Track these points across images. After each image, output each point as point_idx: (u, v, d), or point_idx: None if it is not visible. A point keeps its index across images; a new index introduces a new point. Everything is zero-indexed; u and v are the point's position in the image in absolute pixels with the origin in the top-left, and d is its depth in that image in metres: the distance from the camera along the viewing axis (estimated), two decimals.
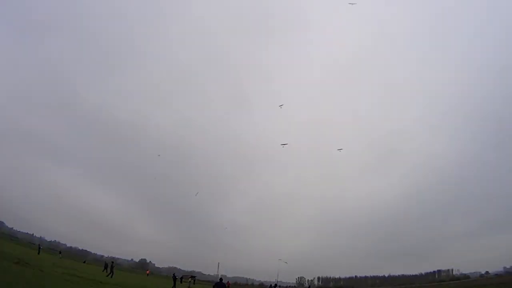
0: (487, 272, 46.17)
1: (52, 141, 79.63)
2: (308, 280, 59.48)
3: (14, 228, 57.84)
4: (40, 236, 58.59)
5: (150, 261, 64.95)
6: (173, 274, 26.99)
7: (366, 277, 55.52)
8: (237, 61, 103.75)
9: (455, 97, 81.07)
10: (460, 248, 56.41)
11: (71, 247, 60.99)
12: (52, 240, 61.04)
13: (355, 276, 56.93)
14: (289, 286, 57.17)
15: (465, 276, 46.90)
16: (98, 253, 60.59)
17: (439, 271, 52.33)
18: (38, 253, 27.53)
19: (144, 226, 76.19)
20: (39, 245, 33.85)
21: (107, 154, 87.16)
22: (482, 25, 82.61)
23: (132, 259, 66.79)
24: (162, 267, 64.76)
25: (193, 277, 38.40)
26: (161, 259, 78.64)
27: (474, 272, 48.09)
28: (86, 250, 59.80)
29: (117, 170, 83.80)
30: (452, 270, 49.60)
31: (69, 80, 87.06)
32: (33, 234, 58.97)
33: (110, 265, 22.32)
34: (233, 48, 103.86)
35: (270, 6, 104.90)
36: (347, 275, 57.81)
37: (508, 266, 45.46)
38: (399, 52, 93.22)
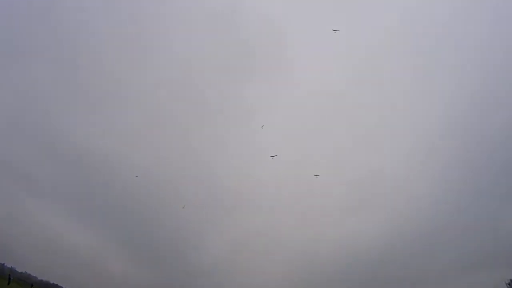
0: None
1: (26, 172, 77.58)
2: None
3: None
4: (11, 267, 56.19)
5: None
6: None
7: None
8: (217, 100, 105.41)
9: (438, 139, 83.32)
10: (443, 284, 56.60)
11: (42, 280, 58.45)
12: (23, 271, 58.53)
13: None
14: None
15: None
16: None
17: None
18: (8, 283, 26.89)
19: (121, 263, 73.75)
20: (9, 275, 32.93)
21: (83, 189, 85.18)
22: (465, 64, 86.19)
23: None
24: None
25: None
26: None
27: None
28: (57, 285, 57.36)
29: (92, 205, 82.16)
30: None
31: (46, 111, 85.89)
32: (4, 263, 56.58)
33: None
34: (213, 86, 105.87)
35: (251, 43, 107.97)
36: None
37: None
38: (383, 90, 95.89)
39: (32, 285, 31.10)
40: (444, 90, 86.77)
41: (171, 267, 73.25)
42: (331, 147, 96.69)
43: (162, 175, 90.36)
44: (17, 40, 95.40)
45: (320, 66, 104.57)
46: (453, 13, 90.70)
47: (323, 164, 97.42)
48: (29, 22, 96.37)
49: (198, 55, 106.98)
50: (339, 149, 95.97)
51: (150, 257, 75.93)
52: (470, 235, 63.82)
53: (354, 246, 72.31)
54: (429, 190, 75.18)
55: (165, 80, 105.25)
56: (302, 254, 74.13)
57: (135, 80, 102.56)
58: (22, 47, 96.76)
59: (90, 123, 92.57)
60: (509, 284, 41.62)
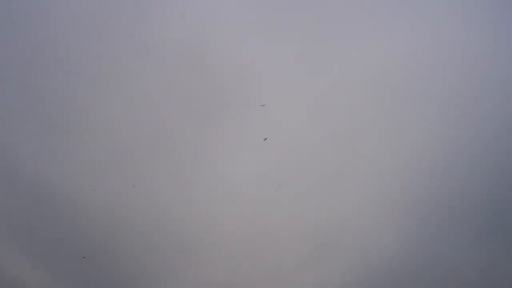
0: None
1: None
2: None
3: None
4: None
5: None
6: None
7: None
8: (181, 139, 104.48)
9: (396, 184, 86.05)
10: None
11: None
12: None
13: None
14: None
15: None
16: None
17: None
18: None
19: None
20: None
21: (43, 229, 78.48)
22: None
23: None
24: None
25: None
26: None
27: None
28: None
29: (53, 247, 75.40)
30: None
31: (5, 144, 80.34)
32: None
33: None
34: (176, 126, 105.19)
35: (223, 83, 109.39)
36: None
37: None
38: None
39: None
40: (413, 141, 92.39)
41: None
42: (294, 197, 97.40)
43: (117, 216, 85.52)
44: None
45: (292, 116, 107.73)
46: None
47: (283, 215, 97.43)
48: None
49: (163, 91, 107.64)
50: (302, 198, 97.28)
51: None
52: (433, 275, 64.45)
53: None
54: (391, 246, 76.18)
55: (129, 112, 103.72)
56: None
57: (98, 109, 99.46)
58: None
59: (49, 152, 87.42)
60: None
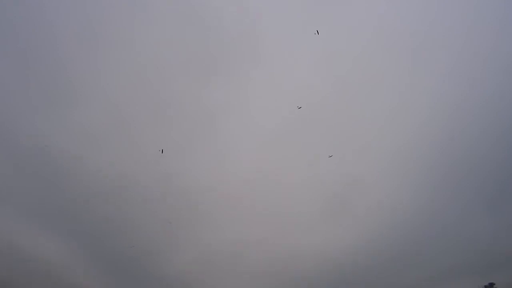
0: None
1: None
2: None
3: None
4: None
5: None
6: None
7: None
8: (180, 101, 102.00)
9: (419, 148, 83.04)
10: None
11: None
12: None
13: None
14: None
15: None
16: None
17: None
18: None
19: (92, 277, 69.32)
20: None
21: (48, 196, 79.89)
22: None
23: None
24: None
25: None
26: None
27: None
28: None
29: (60, 213, 77.56)
30: None
31: (5, 111, 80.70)
32: None
33: None
34: (175, 86, 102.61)
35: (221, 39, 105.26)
36: None
37: None
38: (363, 97, 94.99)
39: None
40: (425, 98, 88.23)
41: (140, 278, 69.61)
42: (307, 153, 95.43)
43: (124, 180, 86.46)
44: None
45: (297, 69, 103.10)
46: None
47: (299, 170, 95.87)
48: None
49: (161, 50, 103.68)
50: (316, 155, 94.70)
51: (114, 265, 72.21)
52: (447, 244, 63.53)
53: (330, 255, 70.71)
54: (408, 202, 74.84)
55: (124, 77, 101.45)
56: (276, 263, 71.91)
57: (92, 77, 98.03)
58: None
59: (47, 121, 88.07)
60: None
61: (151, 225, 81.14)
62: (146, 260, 69.98)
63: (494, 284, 40.93)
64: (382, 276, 62.94)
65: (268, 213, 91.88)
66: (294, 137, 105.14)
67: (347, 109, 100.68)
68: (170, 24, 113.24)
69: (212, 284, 70.58)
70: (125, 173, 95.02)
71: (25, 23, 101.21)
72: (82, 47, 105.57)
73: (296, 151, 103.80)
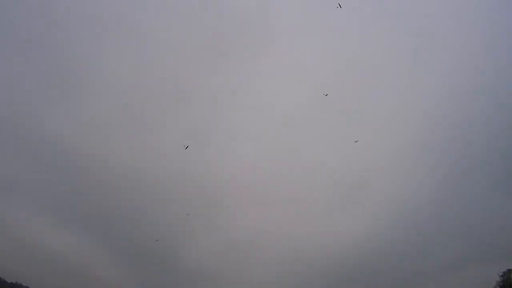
0: None
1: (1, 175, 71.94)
2: None
3: None
4: (0, 277, 52.82)
5: None
6: None
7: None
8: (193, 86, 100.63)
9: (427, 136, 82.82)
10: (439, 284, 55.72)
11: None
12: (14, 281, 55.10)
13: None
14: None
15: None
16: None
17: None
18: None
19: (111, 269, 70.09)
20: None
21: (64, 190, 79.92)
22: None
23: None
24: None
25: None
26: None
27: None
28: None
29: (76, 207, 77.78)
30: None
31: (19, 105, 79.54)
32: None
33: None
34: (188, 71, 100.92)
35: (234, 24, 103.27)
36: None
37: None
38: (372, 87, 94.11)
39: None
40: (432, 88, 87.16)
41: (157, 270, 70.51)
42: (318, 142, 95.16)
43: (143, 171, 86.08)
44: None
45: (308, 54, 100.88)
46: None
47: (312, 159, 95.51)
48: None
49: (172, 37, 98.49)
50: (326, 145, 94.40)
51: (135, 260, 72.86)
52: (460, 231, 63.80)
53: (343, 243, 71.49)
54: (418, 189, 75.09)
55: (136, 66, 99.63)
56: (292, 251, 72.58)
57: (102, 69, 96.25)
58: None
59: (63, 117, 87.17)
60: (501, 276, 41.29)
61: (168, 218, 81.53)
62: (165, 252, 70.01)
63: None
64: (395, 265, 62.88)
65: (282, 202, 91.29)
66: (307, 124, 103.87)
67: (357, 98, 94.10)
68: (181, 12, 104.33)
69: (230, 274, 70.35)
70: (141, 167, 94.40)
71: (32, 16, 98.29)
72: (93, 40, 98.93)
73: (310, 139, 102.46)
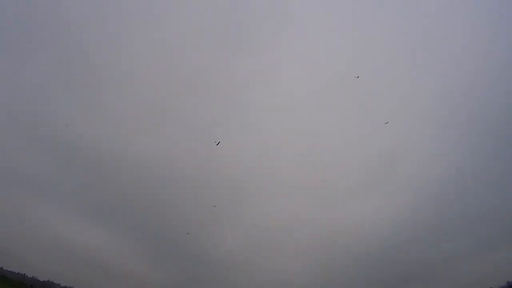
0: None
1: (33, 176, 73.09)
2: None
3: (3, 268, 53.63)
4: (33, 276, 54.20)
5: None
6: None
7: None
8: (214, 76, 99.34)
9: (451, 117, 79.79)
10: (461, 267, 53.72)
11: (65, 287, 56.64)
12: (46, 279, 56.54)
13: None
14: None
15: None
16: None
17: None
18: None
19: (139, 263, 71.18)
20: (31, 285, 31.32)
21: (91, 188, 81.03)
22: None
23: None
24: None
25: None
26: None
27: None
28: None
29: (104, 204, 78.87)
30: None
31: (46, 105, 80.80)
32: (25, 274, 54.60)
33: None
34: (209, 62, 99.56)
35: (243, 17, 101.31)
36: None
37: (511, 280, 43.85)
38: (394, 67, 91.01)
39: (32, 287, 28.96)
40: (460, 67, 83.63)
41: (187, 262, 71.04)
42: (341, 127, 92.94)
43: (168, 164, 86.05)
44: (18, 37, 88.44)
45: (328, 36, 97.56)
46: None
47: (334, 144, 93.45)
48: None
49: (189, 26, 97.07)
50: (350, 128, 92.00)
51: (163, 252, 73.44)
52: (488, 212, 61.29)
53: (374, 227, 70.12)
54: (443, 170, 72.55)
55: (154, 58, 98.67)
56: (321, 237, 71.83)
57: (124, 65, 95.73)
58: (26, 44, 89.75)
59: (86, 116, 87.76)
60: None
61: (196, 211, 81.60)
62: (194, 244, 69.23)
63: None
64: (428, 246, 61.32)
65: (309, 188, 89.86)
66: (330, 107, 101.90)
67: (380, 79, 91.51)
68: (197, 2, 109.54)
69: (259, 263, 69.87)
70: (167, 161, 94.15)
71: (48, 19, 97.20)
72: (109, 37, 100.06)
73: (334, 122, 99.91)
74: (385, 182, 77.08)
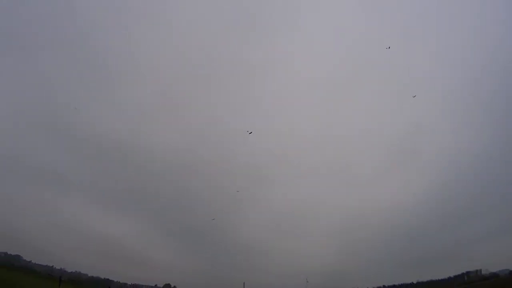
0: None
1: (57, 170, 75.04)
2: None
3: (32, 261, 55.76)
4: (61, 268, 56.20)
5: (174, 286, 61.48)
6: None
7: (394, 286, 51.97)
8: (225, 64, 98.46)
9: (479, 89, 76.64)
10: (487, 247, 52.07)
11: (93, 276, 58.64)
12: (73, 271, 58.70)
13: (383, 286, 53.38)
14: None
15: (494, 275, 44.38)
16: (121, 281, 58.02)
17: (467, 272, 48.99)
18: (59, 285, 25.82)
19: (164, 251, 72.47)
20: (60, 277, 32.43)
21: (113, 179, 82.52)
22: None
23: (156, 285, 63.45)
24: None
25: None
26: (186, 283, 73.27)
27: (503, 270, 45.06)
28: (108, 279, 57.10)
29: (126, 194, 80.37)
30: (481, 270, 46.77)
31: (63, 100, 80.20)
32: (53, 266, 56.67)
33: None
34: (224, 49, 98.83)
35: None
36: (375, 285, 54.21)
37: None
38: (422, 45, 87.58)
39: (61, 279, 29.72)
40: (484, 44, 79.33)
41: (212, 247, 71.99)
42: (366, 103, 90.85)
43: (189, 153, 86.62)
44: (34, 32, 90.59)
45: (344, 15, 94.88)
46: None
47: (359, 121, 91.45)
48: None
49: (204, 18, 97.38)
50: (375, 106, 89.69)
51: (188, 239, 74.67)
52: None
53: (395, 204, 68.83)
54: (471, 144, 70.03)
55: (169, 49, 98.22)
56: (345, 219, 71.13)
57: (142, 56, 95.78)
58: (40, 38, 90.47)
59: (106, 109, 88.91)
60: None
61: (219, 199, 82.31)
62: (218, 230, 70.28)
63: None
64: (449, 227, 59.64)
65: (331, 169, 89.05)
66: (347, 86, 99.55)
67: (400, 55, 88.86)
68: None
69: (282, 246, 69.55)
70: (188, 149, 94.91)
71: (63, 17, 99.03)
72: (123, 29, 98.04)
73: (353, 101, 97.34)
74: (410, 160, 74.83)
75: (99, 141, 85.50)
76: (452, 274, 49.70)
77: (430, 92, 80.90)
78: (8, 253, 52.17)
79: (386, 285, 52.84)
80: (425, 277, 50.10)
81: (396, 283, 52.30)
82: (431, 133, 76.62)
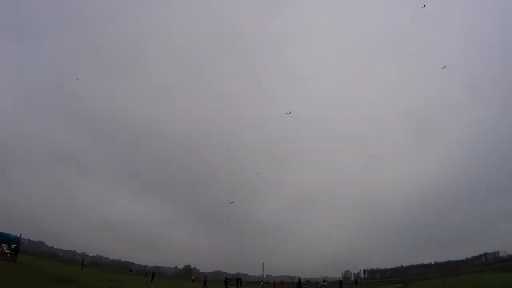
0: None
1: (73, 154, 76.00)
2: (354, 273, 55.49)
3: (54, 247, 56.80)
4: (82, 252, 57.15)
5: (194, 267, 62.04)
6: (225, 278, 28.03)
7: (412, 266, 50.95)
8: (249, 35, 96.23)
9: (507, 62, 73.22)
10: (506, 228, 50.23)
11: (114, 260, 59.53)
12: (95, 254, 59.68)
13: (401, 266, 52.41)
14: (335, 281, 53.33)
15: None
16: (141, 263, 58.77)
17: (485, 254, 47.44)
18: (81, 269, 25.66)
19: (184, 233, 73.18)
20: (82, 261, 32.61)
21: (131, 162, 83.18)
22: None
23: (176, 267, 64.20)
24: (207, 272, 61.37)
25: (238, 279, 36.05)
26: (205, 264, 73.68)
27: None
28: (129, 262, 57.79)
29: (146, 177, 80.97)
30: (499, 252, 45.12)
31: (78, 84, 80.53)
32: (74, 251, 57.70)
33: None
34: (243, 22, 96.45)
35: None
36: (393, 266, 53.39)
37: None
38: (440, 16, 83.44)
39: (83, 263, 29.82)
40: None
41: (231, 229, 72.35)
42: (382, 76, 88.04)
43: (206, 134, 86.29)
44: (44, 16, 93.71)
45: None
46: None
47: (376, 95, 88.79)
48: None
49: None
50: (391, 78, 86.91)
51: (209, 222, 75.10)
52: None
53: (415, 183, 67.32)
54: (491, 113, 66.93)
55: (191, 22, 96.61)
56: (362, 196, 70.20)
57: (163, 34, 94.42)
58: (50, 22, 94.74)
59: (123, 90, 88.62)
60: None
61: (237, 179, 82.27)
62: (238, 212, 71.86)
63: None
64: (481, 203, 57.55)
65: (352, 146, 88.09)
66: (366, 61, 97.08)
67: (421, 28, 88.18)
68: None
69: (302, 224, 70.78)
70: (208, 131, 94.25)
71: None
72: (145, 8, 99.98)
73: (374, 76, 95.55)
74: (433, 132, 72.35)
75: (116, 125, 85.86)
76: (470, 255, 48.35)
77: (460, 60, 76.20)
78: (31, 239, 52.88)
79: (404, 266, 51.84)
80: (443, 258, 48.84)
81: (414, 263, 51.29)
82: (454, 106, 73.44)
